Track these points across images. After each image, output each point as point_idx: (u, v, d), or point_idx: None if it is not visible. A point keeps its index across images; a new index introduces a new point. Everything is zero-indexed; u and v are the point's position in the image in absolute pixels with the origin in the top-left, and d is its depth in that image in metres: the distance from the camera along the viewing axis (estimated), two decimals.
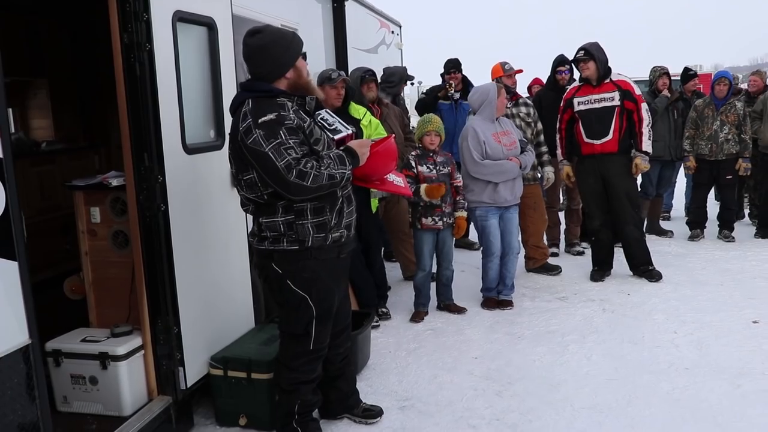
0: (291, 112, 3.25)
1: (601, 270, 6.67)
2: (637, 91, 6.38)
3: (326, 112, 3.58)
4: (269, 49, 3.32)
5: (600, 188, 6.49)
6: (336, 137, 3.47)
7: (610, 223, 6.56)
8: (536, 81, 9.34)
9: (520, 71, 7.06)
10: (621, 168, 6.41)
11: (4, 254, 2.60)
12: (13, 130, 6.60)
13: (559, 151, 6.70)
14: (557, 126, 6.66)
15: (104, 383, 3.65)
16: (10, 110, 6.56)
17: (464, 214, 5.68)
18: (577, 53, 6.37)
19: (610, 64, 6.40)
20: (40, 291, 4.35)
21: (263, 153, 3.12)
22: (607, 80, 6.36)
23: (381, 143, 3.60)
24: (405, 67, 6.34)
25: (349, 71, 6.43)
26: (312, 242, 3.33)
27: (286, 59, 3.36)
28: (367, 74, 6.03)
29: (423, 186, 5.38)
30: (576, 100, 6.45)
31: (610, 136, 6.32)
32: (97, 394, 3.68)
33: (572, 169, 6.72)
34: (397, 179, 3.88)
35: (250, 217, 4.42)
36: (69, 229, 4.97)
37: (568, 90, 6.64)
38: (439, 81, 7.92)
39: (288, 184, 3.14)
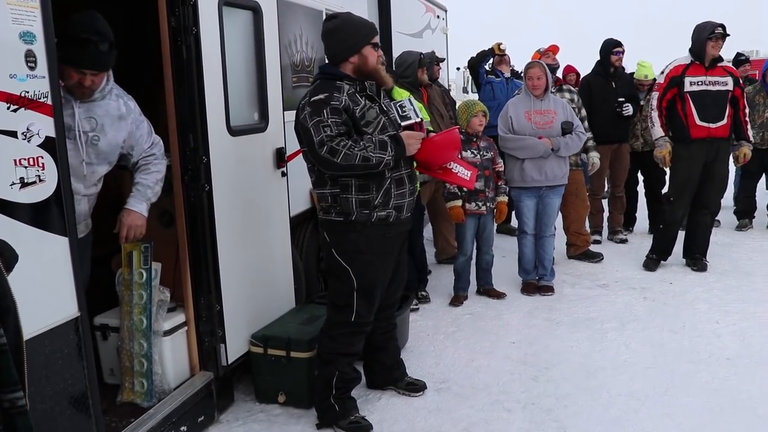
0: (345, 94, 3.44)
1: (659, 259, 6.56)
2: None
3: (409, 100, 3.79)
4: (337, 33, 3.56)
5: (699, 175, 6.26)
6: (403, 123, 3.63)
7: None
8: (569, 69, 9.15)
9: (556, 48, 6.96)
10: (726, 154, 6.27)
11: (56, 230, 2.71)
12: None
13: (657, 128, 6.26)
14: (654, 104, 6.26)
15: None
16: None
17: (505, 199, 5.68)
18: (716, 29, 6.02)
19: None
20: (93, 268, 4.51)
21: (307, 128, 3.39)
22: (721, 64, 6.18)
23: (444, 133, 3.67)
24: (426, 52, 6.26)
25: (394, 56, 6.46)
26: (356, 216, 3.49)
27: (351, 44, 3.54)
28: (423, 58, 6.10)
29: (451, 204, 5.48)
30: (688, 80, 6.13)
31: (724, 121, 6.12)
32: None
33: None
34: (463, 171, 3.89)
35: (292, 199, 4.56)
36: (117, 209, 5.11)
37: (672, 66, 6.24)
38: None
39: (318, 158, 3.38)
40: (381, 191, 3.49)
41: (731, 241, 7.53)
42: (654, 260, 6.56)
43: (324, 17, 5.37)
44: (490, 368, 4.46)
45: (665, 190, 6.82)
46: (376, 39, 3.64)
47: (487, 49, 7.82)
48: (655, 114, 6.28)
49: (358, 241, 3.53)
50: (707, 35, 6.01)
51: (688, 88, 6.12)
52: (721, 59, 6.20)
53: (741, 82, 6.26)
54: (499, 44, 7.71)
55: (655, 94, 6.30)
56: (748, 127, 6.29)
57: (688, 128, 6.13)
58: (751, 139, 6.30)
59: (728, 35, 6.07)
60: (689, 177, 6.27)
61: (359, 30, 3.59)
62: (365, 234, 3.53)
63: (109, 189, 5.66)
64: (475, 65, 7.72)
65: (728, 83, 6.12)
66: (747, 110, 6.28)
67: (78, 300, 2.80)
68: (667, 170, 6.53)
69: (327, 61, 3.66)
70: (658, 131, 6.29)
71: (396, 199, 3.55)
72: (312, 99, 3.41)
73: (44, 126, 2.63)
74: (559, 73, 7.72)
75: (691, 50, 6.18)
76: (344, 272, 3.58)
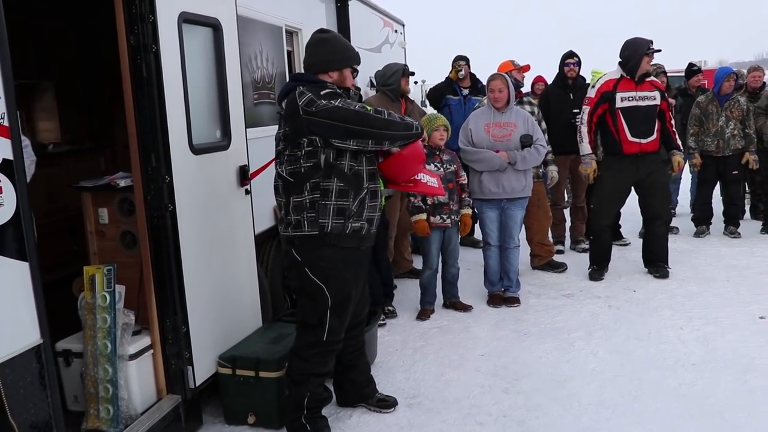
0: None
1: (600, 269, 6.65)
2: None
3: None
4: (327, 43, 3.64)
5: (627, 188, 6.41)
6: None
7: (615, 223, 6.53)
8: (539, 78, 9.35)
9: (528, 67, 7.06)
10: (659, 165, 6.41)
11: (16, 255, 2.62)
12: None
13: (585, 144, 6.39)
14: (585, 118, 6.37)
15: None
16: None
17: (469, 211, 5.71)
18: (651, 45, 6.16)
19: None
20: (50, 292, 4.38)
21: (335, 107, 3.38)
22: (648, 78, 6.32)
23: (409, 147, 3.65)
24: (403, 64, 6.40)
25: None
26: (331, 228, 3.45)
27: (338, 58, 3.62)
28: (406, 69, 6.31)
29: (416, 217, 5.48)
30: (619, 96, 6.24)
31: (654, 136, 6.26)
32: None
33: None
34: (430, 180, 3.91)
35: (257, 217, 4.50)
36: (76, 231, 4.99)
37: (603, 81, 6.34)
38: (441, 80, 7.99)
39: (368, 117, 3.40)
40: (357, 199, 3.49)
41: (690, 247, 7.67)
42: (596, 270, 6.65)
43: (283, 33, 5.38)
44: (460, 382, 4.45)
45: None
46: (357, 68, 3.75)
47: (443, 81, 7.82)
48: (584, 129, 6.39)
49: (333, 256, 3.50)
50: (644, 51, 6.15)
51: (619, 104, 6.25)
52: (648, 74, 6.36)
53: (666, 95, 6.45)
54: (457, 69, 7.66)
55: (586, 109, 6.40)
56: (676, 136, 6.45)
57: (621, 144, 6.27)
58: (681, 147, 6.49)
59: (659, 50, 6.26)
60: (615, 190, 6.43)
61: (348, 51, 3.69)
62: (340, 247, 3.50)
63: (68, 210, 5.58)
64: (441, 90, 7.71)
65: (656, 97, 6.29)
66: (673, 121, 6.44)
67: (40, 326, 2.72)
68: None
69: (304, 70, 3.69)
70: (586, 147, 6.42)
71: (368, 211, 3.57)
72: (322, 93, 3.43)
73: (1, 148, 2.55)
74: (528, 85, 7.79)
75: (622, 65, 6.29)
76: (319, 291, 3.52)
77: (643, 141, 6.23)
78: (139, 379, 3.66)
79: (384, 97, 6.13)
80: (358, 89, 5.60)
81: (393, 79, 6.09)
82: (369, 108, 3.50)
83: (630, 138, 6.23)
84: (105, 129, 6.55)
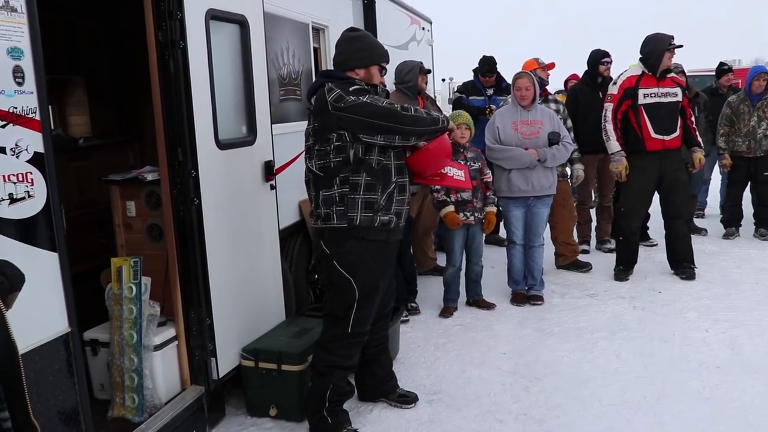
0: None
1: (626, 270, 6.59)
2: None
3: None
4: (356, 41, 3.71)
5: (653, 186, 6.35)
6: None
7: (643, 224, 6.48)
8: (573, 76, 9.28)
9: (553, 65, 7.01)
10: (680, 163, 6.34)
11: (46, 245, 2.69)
12: (52, 127, 6.77)
13: (614, 142, 6.29)
14: (609, 116, 6.29)
15: None
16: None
17: (494, 209, 5.70)
18: (673, 41, 6.10)
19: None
20: (78, 283, 4.47)
21: (363, 102, 3.43)
22: (669, 75, 6.26)
23: (435, 141, 3.68)
24: (419, 61, 6.40)
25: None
26: (359, 221, 3.50)
27: (365, 56, 3.68)
28: (423, 67, 6.30)
29: (445, 210, 5.47)
30: (641, 92, 6.18)
31: (677, 132, 6.21)
32: None
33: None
34: (457, 173, 3.93)
35: (281, 212, 4.55)
36: (105, 223, 5.08)
37: (625, 78, 6.29)
38: (470, 76, 7.98)
39: (396, 113, 3.44)
40: (385, 194, 3.54)
41: (719, 249, 7.57)
42: (622, 270, 6.59)
43: (310, 30, 5.41)
44: (481, 379, 4.46)
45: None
46: (385, 66, 3.79)
47: (468, 81, 7.85)
48: (610, 126, 6.31)
49: (361, 250, 3.55)
50: (666, 47, 6.08)
51: (642, 100, 6.18)
52: (669, 70, 6.28)
53: (687, 92, 6.39)
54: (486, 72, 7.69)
55: (609, 106, 6.32)
56: (697, 133, 6.38)
57: (644, 141, 6.20)
58: (702, 145, 6.40)
59: (681, 46, 6.18)
60: (642, 188, 6.36)
61: (377, 49, 3.75)
62: (368, 240, 3.55)
63: (96, 204, 5.69)
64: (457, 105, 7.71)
65: (678, 94, 6.22)
66: (693, 118, 6.37)
67: (69, 315, 2.78)
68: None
69: (332, 68, 3.76)
70: (614, 145, 6.32)
71: (397, 204, 3.61)
72: (350, 89, 3.48)
73: (33, 141, 2.62)
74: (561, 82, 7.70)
75: (644, 61, 6.23)
76: (347, 283, 3.58)
77: (666, 138, 6.17)
78: (163, 370, 3.72)
79: (401, 94, 6.13)
80: (385, 86, 5.62)
81: (410, 76, 6.10)
82: (396, 105, 3.52)
83: (653, 135, 6.17)
84: (134, 123, 6.66)
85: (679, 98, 6.22)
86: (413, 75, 6.07)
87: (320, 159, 3.54)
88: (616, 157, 6.35)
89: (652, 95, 6.17)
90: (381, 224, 3.56)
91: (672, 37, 6.15)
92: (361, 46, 3.69)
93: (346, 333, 3.64)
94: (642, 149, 6.22)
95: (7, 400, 1.47)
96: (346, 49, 3.70)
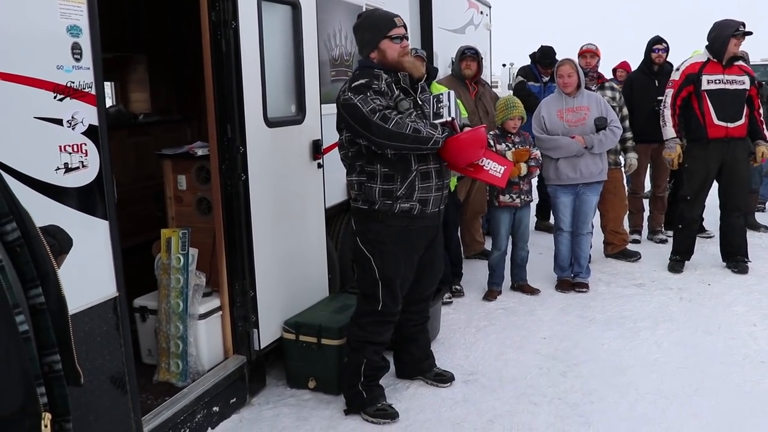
0: (383, 81, 3.54)
1: (682, 260, 6.45)
2: None
3: (448, 95, 3.69)
4: (358, 30, 3.75)
5: (714, 175, 6.18)
6: (435, 121, 3.59)
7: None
8: (622, 65, 9.09)
9: (591, 50, 6.81)
10: (745, 153, 6.17)
11: (98, 214, 2.84)
12: (113, 103, 7.02)
13: (669, 128, 6.17)
14: (668, 101, 6.17)
15: None
16: (109, 84, 6.94)
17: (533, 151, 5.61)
18: (740, 27, 5.94)
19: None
20: (135, 253, 4.67)
21: (353, 104, 3.45)
22: (737, 63, 6.08)
23: (468, 132, 3.64)
24: (466, 45, 6.33)
25: (435, 51, 6.53)
26: (380, 206, 3.58)
27: (368, 39, 3.68)
28: (467, 51, 6.22)
29: (510, 151, 5.43)
30: (705, 78, 6.04)
31: (742, 120, 6.03)
32: None
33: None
34: (495, 168, 3.79)
35: (328, 190, 4.66)
36: (161, 197, 5.28)
37: (688, 64, 6.15)
38: (527, 61, 7.91)
39: (371, 124, 3.40)
40: (405, 183, 3.55)
41: None
42: (678, 261, 6.44)
43: None
44: (519, 362, 4.49)
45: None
46: (396, 31, 3.60)
47: (526, 65, 7.78)
48: (668, 112, 6.17)
49: (380, 231, 3.63)
50: (732, 32, 5.90)
51: (705, 86, 6.00)
52: (737, 58, 6.08)
53: (756, 81, 6.15)
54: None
55: (670, 92, 6.18)
56: (764, 126, 6.17)
57: (706, 128, 6.02)
58: None
59: (750, 33, 5.98)
60: (706, 177, 6.19)
61: (376, 25, 3.66)
62: (388, 224, 3.61)
63: (153, 178, 5.89)
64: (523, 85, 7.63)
65: (745, 82, 6.02)
66: (761, 110, 6.16)
67: (117, 281, 2.94)
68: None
69: None
70: (670, 131, 6.19)
71: (420, 192, 3.59)
72: (353, 84, 3.52)
73: (88, 114, 2.76)
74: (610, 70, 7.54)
75: (709, 48, 6.07)
76: (367, 261, 3.69)
77: (731, 125, 5.98)
78: (207, 338, 3.87)
79: (454, 79, 6.16)
80: (436, 70, 5.62)
81: (456, 61, 6.14)
82: (381, 113, 3.42)
83: (716, 121, 5.98)
84: (193, 101, 6.85)
85: (747, 86, 6.03)
86: (457, 60, 6.09)
87: (341, 149, 3.71)
88: (670, 144, 6.23)
89: (717, 81, 5.99)
90: (401, 211, 3.59)
91: (741, 24, 5.96)
92: (363, 29, 3.70)
93: (375, 310, 3.73)
94: (704, 136, 6.04)
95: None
96: (356, 36, 3.76)
